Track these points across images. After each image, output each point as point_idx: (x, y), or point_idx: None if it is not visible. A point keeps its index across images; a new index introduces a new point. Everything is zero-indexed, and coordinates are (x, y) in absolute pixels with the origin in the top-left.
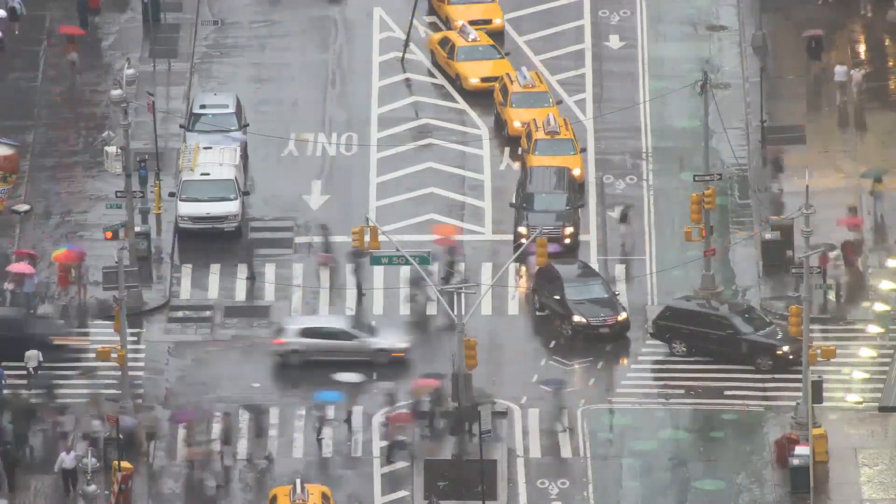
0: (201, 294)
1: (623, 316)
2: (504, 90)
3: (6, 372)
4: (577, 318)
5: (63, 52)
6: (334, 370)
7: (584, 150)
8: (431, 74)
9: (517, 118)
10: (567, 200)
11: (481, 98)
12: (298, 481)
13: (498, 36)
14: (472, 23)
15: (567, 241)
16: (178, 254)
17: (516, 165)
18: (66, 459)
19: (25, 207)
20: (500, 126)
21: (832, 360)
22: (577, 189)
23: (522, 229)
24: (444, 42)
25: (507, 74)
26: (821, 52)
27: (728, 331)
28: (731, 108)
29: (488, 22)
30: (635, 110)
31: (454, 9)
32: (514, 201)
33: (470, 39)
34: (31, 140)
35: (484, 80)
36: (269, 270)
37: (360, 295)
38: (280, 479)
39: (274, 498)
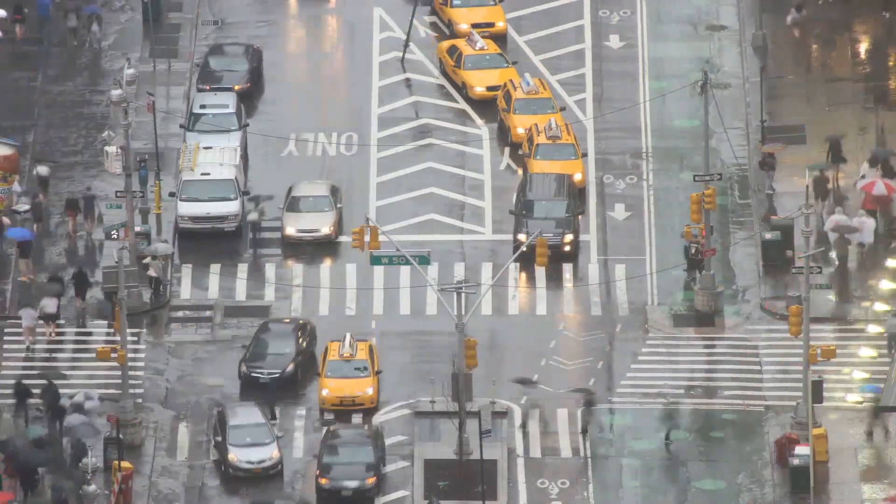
0: (201, 294)
1: None
2: (507, 97)
3: None
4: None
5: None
6: None
7: (585, 154)
8: (431, 74)
9: (520, 125)
10: (567, 207)
11: (485, 106)
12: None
13: (501, 39)
14: (474, 26)
15: (567, 247)
16: (178, 254)
17: (518, 169)
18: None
19: (25, 207)
20: (503, 132)
21: (832, 359)
22: (576, 195)
23: (522, 236)
24: (452, 50)
25: (511, 81)
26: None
27: None
28: (731, 108)
29: (491, 25)
30: (635, 110)
31: (457, 12)
32: (513, 208)
33: (477, 48)
34: (31, 140)
35: (490, 89)
36: (270, 270)
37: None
38: None
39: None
